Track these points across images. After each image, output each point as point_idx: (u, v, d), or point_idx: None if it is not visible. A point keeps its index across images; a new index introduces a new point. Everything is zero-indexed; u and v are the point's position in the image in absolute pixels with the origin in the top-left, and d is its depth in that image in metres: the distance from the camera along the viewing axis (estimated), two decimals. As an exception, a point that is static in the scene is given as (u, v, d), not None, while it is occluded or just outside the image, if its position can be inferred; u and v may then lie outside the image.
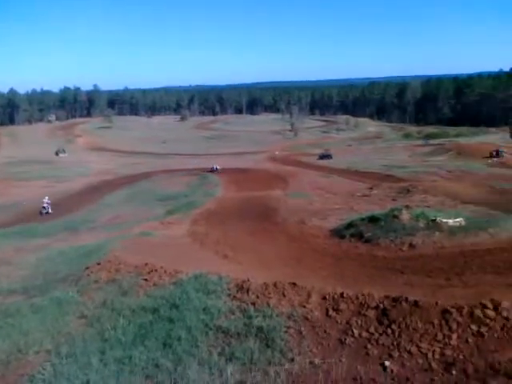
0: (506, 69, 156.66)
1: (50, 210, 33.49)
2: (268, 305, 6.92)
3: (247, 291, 7.36)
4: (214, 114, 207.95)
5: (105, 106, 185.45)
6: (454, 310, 6.38)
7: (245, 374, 5.42)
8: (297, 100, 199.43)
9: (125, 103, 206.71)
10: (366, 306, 6.86)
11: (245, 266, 13.39)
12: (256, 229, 20.86)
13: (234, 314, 6.73)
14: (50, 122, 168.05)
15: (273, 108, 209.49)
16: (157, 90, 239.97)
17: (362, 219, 19.09)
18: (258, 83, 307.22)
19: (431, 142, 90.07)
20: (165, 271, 10.99)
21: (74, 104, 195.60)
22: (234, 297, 7.24)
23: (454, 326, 6.19)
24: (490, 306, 6.35)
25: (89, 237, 23.44)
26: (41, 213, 33.37)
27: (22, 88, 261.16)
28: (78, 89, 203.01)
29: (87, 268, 13.08)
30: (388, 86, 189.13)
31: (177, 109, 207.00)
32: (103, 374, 6.44)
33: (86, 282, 11.68)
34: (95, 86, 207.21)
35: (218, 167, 50.87)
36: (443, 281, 12.10)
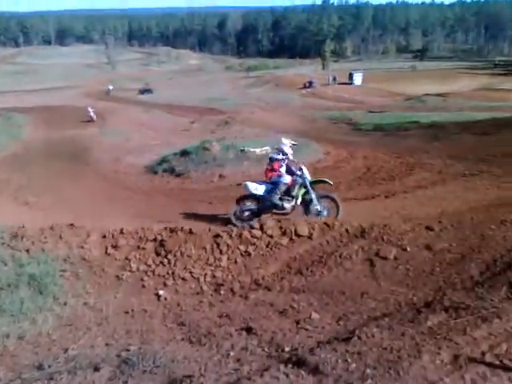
0: (319, 2, 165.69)
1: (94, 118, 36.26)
2: (43, 250, 6.63)
3: (22, 238, 6.91)
4: (17, 45, 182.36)
5: None
6: (224, 234, 6.82)
7: (11, 326, 5.15)
8: (112, 30, 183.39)
9: None
10: (145, 239, 6.98)
11: (46, 212, 12.57)
12: (66, 171, 19.63)
13: (6, 264, 6.29)
14: None
15: (86, 39, 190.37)
16: None
17: (175, 154, 19.18)
18: (67, 11, 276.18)
19: (252, 73, 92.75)
20: None
21: None
22: (8, 245, 6.75)
23: (225, 249, 6.64)
24: (257, 226, 6.95)
25: None
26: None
27: None
28: None
29: None
30: (208, 17, 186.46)
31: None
32: None
33: None
34: None
35: None
36: (247, 207, 12.87)
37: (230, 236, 6.78)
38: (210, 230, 7.00)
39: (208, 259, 6.54)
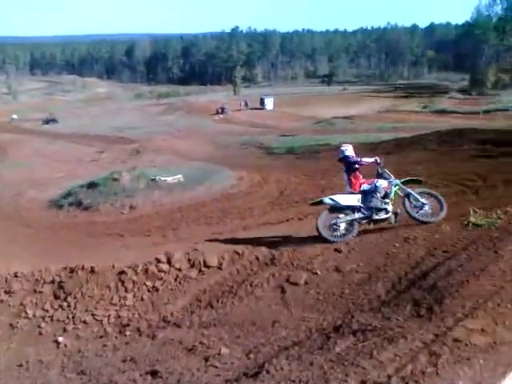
0: (227, 30, 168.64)
1: None
2: None
3: None
4: None
5: None
6: (129, 270, 6.48)
7: None
8: (13, 59, 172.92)
9: None
10: (42, 282, 6.46)
11: None
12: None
13: None
14: None
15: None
16: None
17: (82, 186, 18.43)
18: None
19: (163, 101, 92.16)
20: None
21: None
22: None
23: (130, 286, 6.30)
24: (164, 259, 6.65)
25: None
26: None
27: None
28: None
29: None
30: (116, 44, 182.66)
31: None
32: None
33: None
34: None
35: None
36: (160, 238, 12.51)
37: (136, 272, 6.43)
38: (113, 266, 6.61)
39: (112, 298, 6.16)
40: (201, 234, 11.87)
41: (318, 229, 7.84)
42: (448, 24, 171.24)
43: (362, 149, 22.66)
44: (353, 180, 8.52)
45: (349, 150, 8.75)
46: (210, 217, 14.13)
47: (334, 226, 7.94)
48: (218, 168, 21.16)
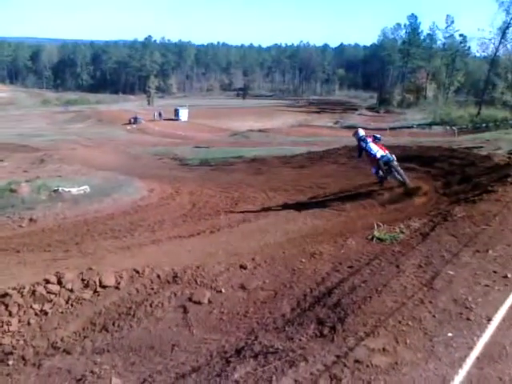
0: (141, 38, 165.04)
1: None
2: None
3: None
4: None
5: None
6: (14, 292, 5.83)
7: None
8: None
9: None
10: None
11: None
12: None
13: None
14: None
15: None
16: None
17: (-25, 197, 16.89)
18: None
19: (71, 108, 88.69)
20: None
21: None
22: None
23: (15, 310, 5.65)
24: (54, 280, 6.05)
25: None
26: None
27: None
28: None
29: None
30: (20, 48, 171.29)
31: None
32: None
33: None
34: None
35: None
36: (62, 253, 11.63)
37: (22, 294, 5.77)
38: (-3, 290, 5.91)
39: (-6, 325, 5.48)
40: (106, 249, 11.24)
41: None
42: (356, 45, 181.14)
43: (277, 162, 23.05)
44: (381, 147, 12.73)
45: (363, 132, 13.34)
46: (117, 230, 13.41)
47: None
48: (128, 179, 20.40)
